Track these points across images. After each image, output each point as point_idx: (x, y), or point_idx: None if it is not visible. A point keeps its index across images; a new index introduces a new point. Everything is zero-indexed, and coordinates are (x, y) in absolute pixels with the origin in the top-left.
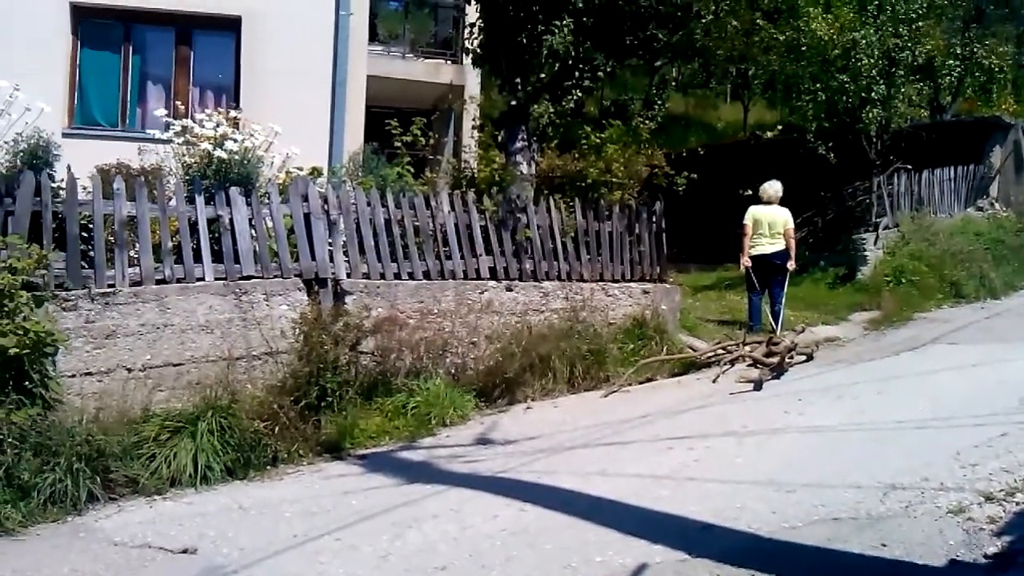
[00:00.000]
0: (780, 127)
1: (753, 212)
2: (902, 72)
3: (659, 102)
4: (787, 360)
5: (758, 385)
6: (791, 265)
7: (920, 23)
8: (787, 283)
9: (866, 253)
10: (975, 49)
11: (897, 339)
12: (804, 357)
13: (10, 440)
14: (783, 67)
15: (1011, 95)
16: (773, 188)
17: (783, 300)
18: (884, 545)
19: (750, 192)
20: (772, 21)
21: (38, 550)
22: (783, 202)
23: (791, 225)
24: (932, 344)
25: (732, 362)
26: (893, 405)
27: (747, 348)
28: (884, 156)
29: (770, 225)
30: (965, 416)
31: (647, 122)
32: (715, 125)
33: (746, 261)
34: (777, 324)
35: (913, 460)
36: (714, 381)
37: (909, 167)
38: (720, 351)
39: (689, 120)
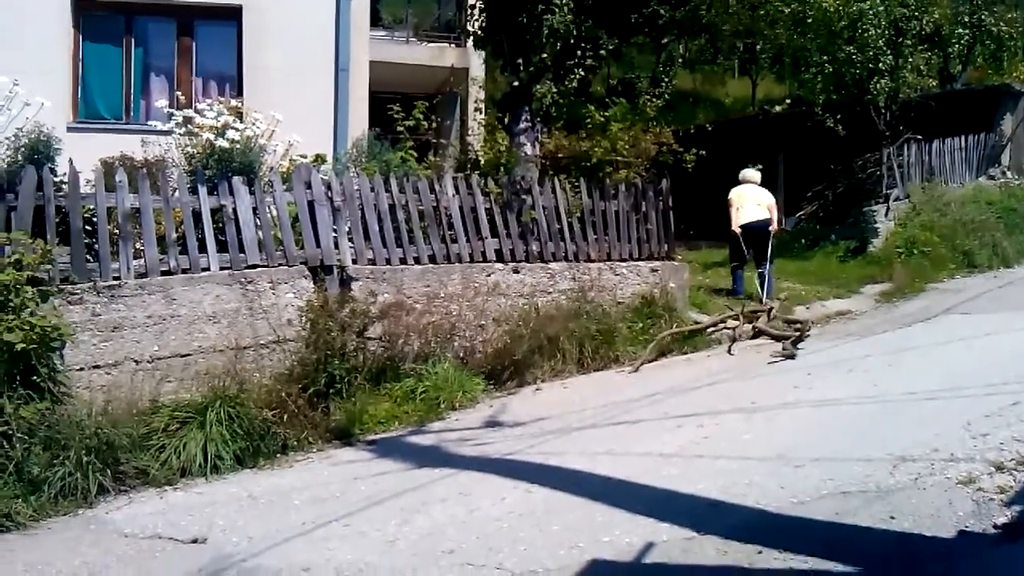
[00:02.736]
0: (788, 101)
1: (737, 190)
2: (909, 42)
3: (666, 79)
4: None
5: (790, 355)
6: (773, 227)
7: None
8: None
9: (877, 225)
10: (983, 17)
11: (909, 311)
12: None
13: (19, 435)
14: (790, 40)
15: (1022, 62)
16: (752, 173)
17: (770, 266)
18: (893, 518)
19: (760, 167)
20: None
21: (49, 544)
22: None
23: (772, 201)
24: (944, 315)
25: (735, 335)
26: (904, 377)
27: (748, 321)
28: (893, 127)
29: (755, 200)
30: (976, 386)
31: (654, 100)
32: (723, 101)
33: (736, 229)
34: (764, 290)
35: (923, 431)
36: (730, 351)
37: (919, 137)
38: (723, 322)
39: (697, 96)
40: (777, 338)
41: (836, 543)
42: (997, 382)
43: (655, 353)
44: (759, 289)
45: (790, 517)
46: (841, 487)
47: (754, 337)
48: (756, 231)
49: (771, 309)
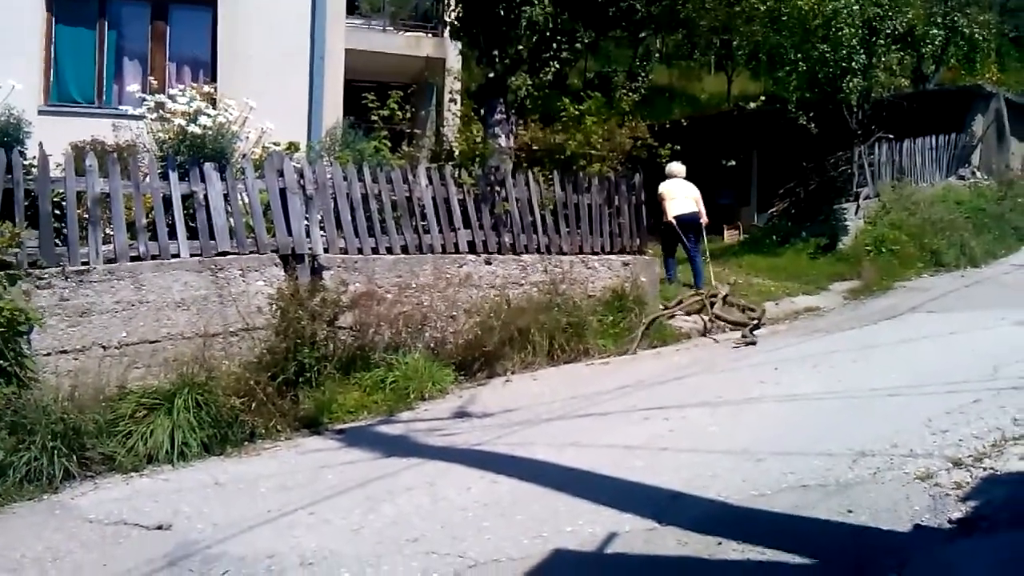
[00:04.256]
0: (763, 98)
1: (666, 185)
2: (883, 41)
3: (643, 74)
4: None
5: (751, 342)
6: (704, 220)
7: None
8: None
9: (847, 223)
10: (957, 18)
11: (876, 308)
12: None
13: None
14: (766, 37)
15: (995, 64)
16: (677, 167)
17: (702, 255)
18: (850, 511)
19: (733, 163)
20: None
21: (13, 528)
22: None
23: (698, 194)
24: (911, 313)
25: (705, 326)
26: (869, 373)
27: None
28: (865, 126)
29: (683, 193)
30: (939, 383)
31: (630, 94)
32: (699, 96)
33: (671, 219)
34: (699, 279)
35: (885, 427)
36: (707, 335)
37: (890, 137)
38: (679, 308)
39: (673, 92)
40: (733, 324)
41: (794, 535)
42: (960, 380)
43: (623, 348)
44: (692, 279)
45: (750, 509)
46: (801, 480)
47: (711, 321)
48: (689, 222)
49: (726, 295)
